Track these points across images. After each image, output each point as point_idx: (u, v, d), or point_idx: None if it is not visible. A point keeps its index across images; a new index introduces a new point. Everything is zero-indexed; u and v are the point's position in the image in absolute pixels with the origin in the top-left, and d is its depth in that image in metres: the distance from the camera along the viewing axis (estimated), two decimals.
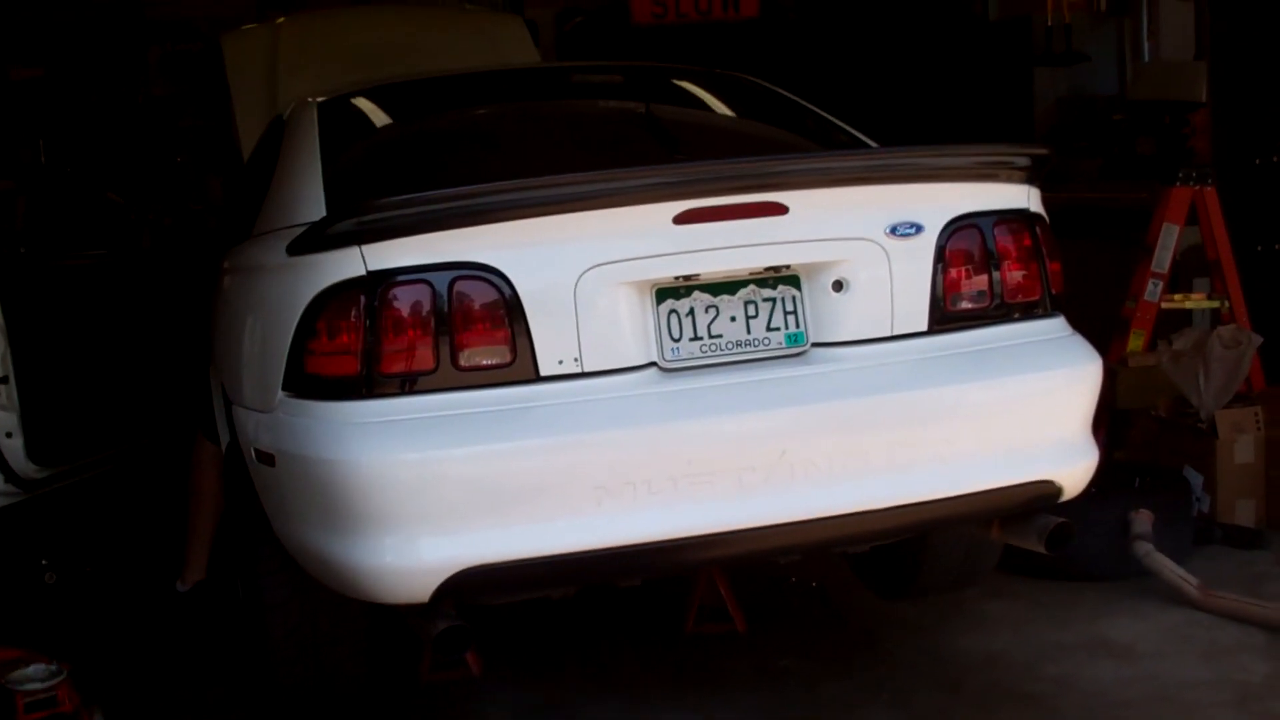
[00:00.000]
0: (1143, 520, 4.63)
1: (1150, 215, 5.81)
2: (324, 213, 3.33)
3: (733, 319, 3.17)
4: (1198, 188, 5.71)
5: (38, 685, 3.85)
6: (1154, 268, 5.75)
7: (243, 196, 4.39)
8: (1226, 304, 5.74)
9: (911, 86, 9.17)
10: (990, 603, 4.44)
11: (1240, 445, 5.18)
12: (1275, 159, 6.32)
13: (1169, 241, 5.75)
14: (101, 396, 5.18)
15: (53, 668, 3.90)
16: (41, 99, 9.81)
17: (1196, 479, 5.18)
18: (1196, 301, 6.08)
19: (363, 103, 4.19)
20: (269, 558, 3.41)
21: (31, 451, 4.78)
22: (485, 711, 3.91)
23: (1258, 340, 5.34)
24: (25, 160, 8.47)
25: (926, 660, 4.07)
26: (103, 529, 5.65)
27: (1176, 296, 5.96)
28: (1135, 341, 5.72)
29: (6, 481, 4.75)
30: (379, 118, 4.19)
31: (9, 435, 4.72)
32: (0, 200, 6.38)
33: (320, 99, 4.12)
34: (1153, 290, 5.77)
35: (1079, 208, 6.51)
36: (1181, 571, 4.44)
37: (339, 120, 4.00)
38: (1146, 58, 8.03)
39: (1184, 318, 6.19)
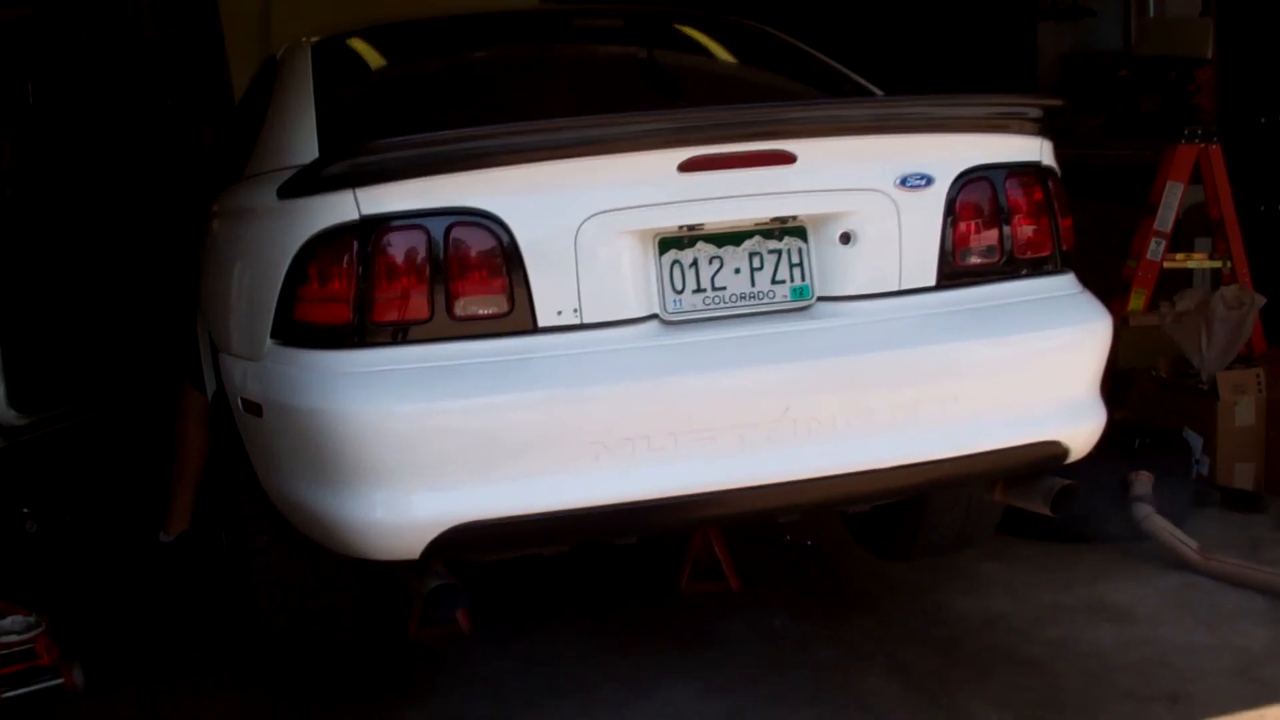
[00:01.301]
0: (1142, 482, 4.57)
1: (1154, 173, 5.72)
2: (317, 155, 3.23)
3: (737, 271, 3.08)
4: (1203, 146, 5.61)
5: (15, 637, 3.80)
6: (1157, 226, 5.66)
7: (233, 139, 4.28)
8: (1228, 264, 5.66)
9: (914, 39, 9.05)
10: (988, 564, 4.38)
11: (1241, 407, 5.12)
12: None
13: (1173, 200, 5.65)
14: (86, 343, 5.08)
15: (31, 619, 3.84)
16: (30, 39, 9.63)
17: (1196, 441, 5.12)
18: (1199, 261, 5.98)
19: (358, 44, 4.09)
20: (254, 509, 3.33)
21: (13, 398, 4.68)
22: (475, 670, 3.84)
23: (1261, 301, 5.27)
24: (13, 102, 8.31)
25: (923, 622, 4.01)
26: (86, 478, 5.57)
27: (1178, 256, 5.87)
28: (1136, 301, 5.63)
29: None
30: (374, 59, 4.08)
31: None
32: None
33: (314, 39, 4.01)
34: (1155, 249, 5.68)
35: (1081, 165, 6.41)
36: (1181, 535, 4.39)
37: (333, 61, 3.89)
38: (1152, 13, 7.93)
39: (1184, 277, 6.11)
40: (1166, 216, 5.65)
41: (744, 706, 3.55)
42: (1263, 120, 6.43)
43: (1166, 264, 5.70)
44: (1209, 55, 6.84)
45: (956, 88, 3.50)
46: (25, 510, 5.09)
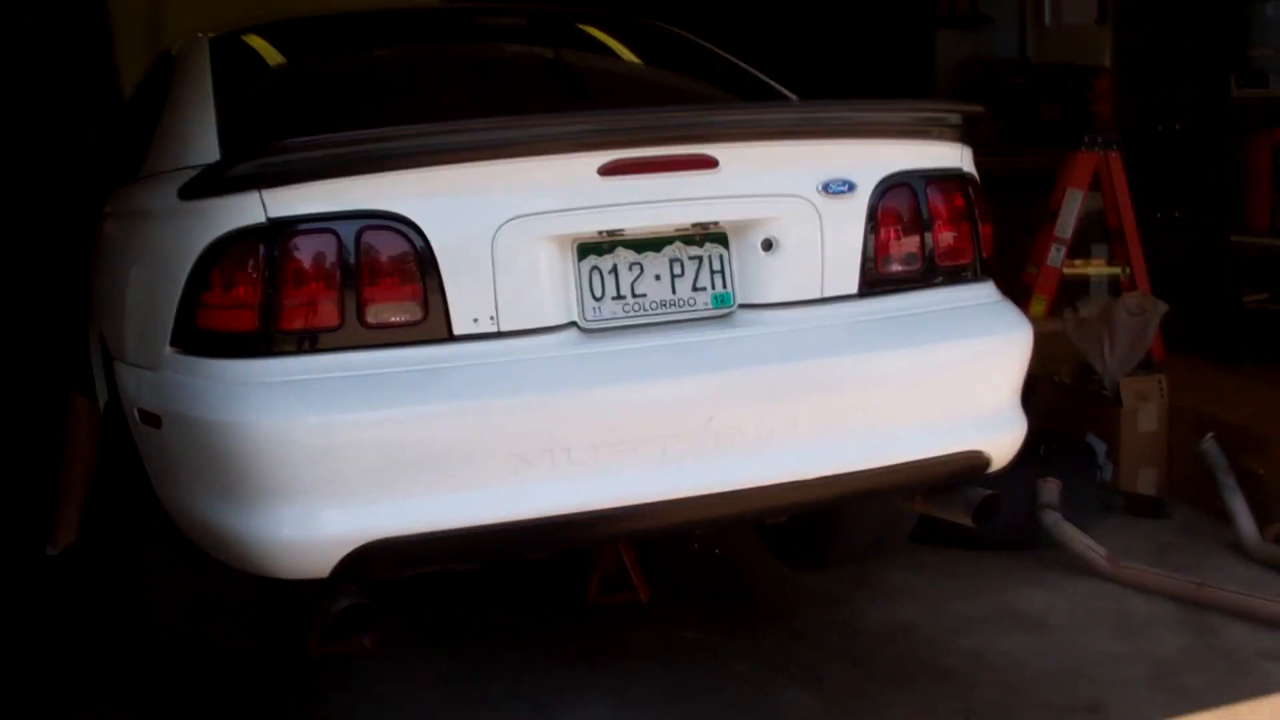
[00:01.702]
0: (1050, 489, 4.58)
1: (1052, 180, 5.76)
2: (218, 155, 3.09)
3: (657, 278, 3.01)
4: (1103, 153, 5.66)
5: None
6: (1057, 233, 5.70)
7: (125, 138, 4.10)
8: (1127, 270, 5.72)
9: (812, 45, 9.04)
10: (897, 573, 4.36)
11: (1144, 413, 5.16)
12: (1177, 126, 6.30)
13: (1073, 207, 5.70)
14: None
15: None
16: None
17: (1100, 446, 5.15)
18: (1098, 268, 6.06)
19: (257, 40, 3.93)
20: (149, 522, 3.18)
21: None
22: (379, 689, 3.71)
23: (1163, 308, 5.31)
24: None
25: (836, 634, 3.97)
26: None
27: (1078, 262, 5.92)
28: (1038, 307, 5.66)
29: None
30: (275, 56, 3.93)
31: None
32: None
33: (212, 35, 3.85)
34: (1055, 255, 5.72)
35: (981, 172, 6.43)
36: (1090, 541, 4.40)
37: (232, 58, 3.74)
38: (1049, 21, 8.00)
39: (1079, 284, 6.17)
40: (1067, 223, 5.69)
41: None
42: (1159, 128, 6.53)
43: (1066, 270, 5.74)
44: (1106, 63, 6.92)
45: (857, 94, 3.46)
46: None
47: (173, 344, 2.90)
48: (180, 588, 3.22)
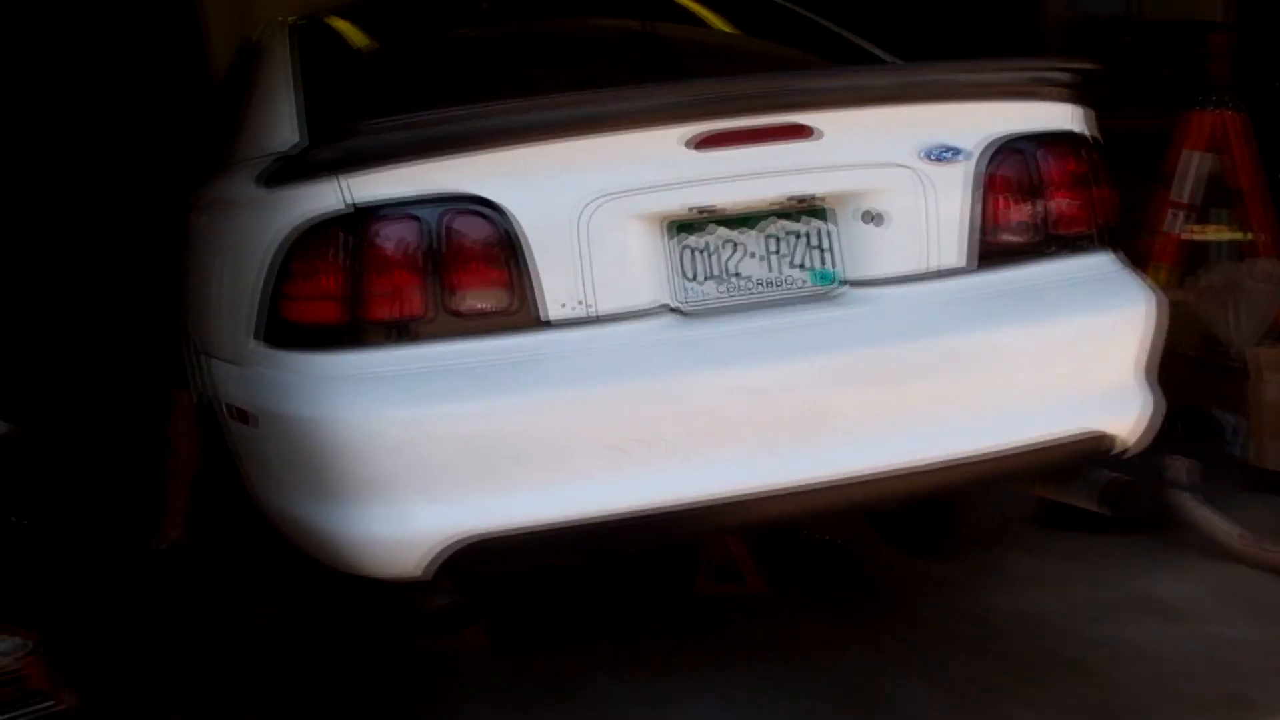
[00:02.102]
0: (1178, 467, 4.36)
1: (1165, 142, 5.50)
2: (300, 141, 3.00)
3: (755, 255, 2.86)
4: (1219, 113, 5.40)
5: (2, 660, 3.57)
6: (1174, 197, 5.46)
7: (212, 126, 4.05)
8: (1249, 235, 5.45)
9: (909, 7, 8.79)
10: (1021, 558, 4.15)
11: (1274, 384, 4.88)
12: None
13: (1190, 169, 5.45)
14: (70, 348, 4.86)
15: (19, 640, 3.62)
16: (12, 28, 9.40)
17: (1229, 420, 4.90)
18: (1218, 233, 5.78)
19: (339, 23, 3.86)
20: (246, 519, 3.11)
21: None
22: (485, 683, 3.62)
23: None
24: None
25: (959, 622, 3.79)
26: (77, 485, 5.33)
27: (1196, 228, 5.66)
28: (1156, 275, 5.41)
29: None
30: (358, 38, 3.86)
31: None
32: None
33: (294, 18, 3.78)
34: (1173, 221, 5.49)
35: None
36: (1224, 521, 4.17)
37: (315, 41, 3.67)
38: None
39: (1198, 251, 5.90)
40: (1184, 187, 5.45)
41: None
42: (1278, 85, 6.22)
43: (1185, 236, 5.48)
44: (1221, 18, 6.61)
45: (955, 55, 3.28)
46: (13, 519, 4.87)
47: (258, 337, 2.82)
48: (280, 585, 3.15)
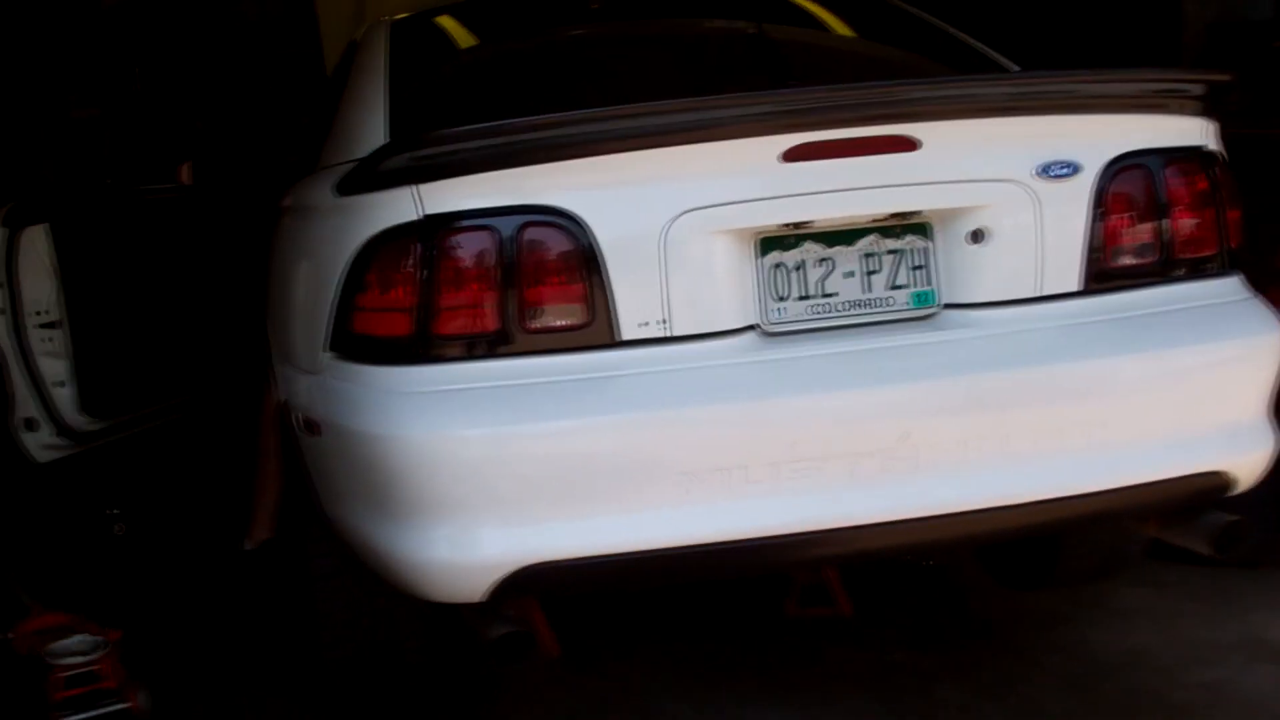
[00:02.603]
0: None
1: None
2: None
3: (850, 274, 2.72)
4: None
5: (79, 659, 3.58)
6: None
7: (313, 126, 4.01)
8: None
9: (1048, 8, 8.52)
10: (1132, 592, 3.96)
11: None
12: None
13: None
14: (162, 343, 4.86)
15: (98, 639, 3.62)
16: (136, 24, 9.55)
17: None
18: None
19: (445, 21, 3.78)
20: (316, 530, 3.05)
21: (84, 402, 4.47)
22: (559, 701, 3.53)
23: None
24: (119, 87, 8.21)
25: (1059, 658, 3.60)
26: (172, 482, 5.36)
27: None
28: None
29: (58, 434, 4.45)
30: (461, 38, 3.77)
31: (60, 384, 4.42)
32: (86, 129, 6.10)
33: (396, 17, 3.71)
34: None
35: (1231, 145, 5.90)
36: None
37: (415, 41, 3.60)
38: None
39: None
40: None
41: None
42: None
43: None
44: None
45: (1095, 63, 3.09)
46: (115, 512, 4.89)
47: (330, 348, 2.75)
48: (347, 598, 3.08)
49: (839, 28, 3.90)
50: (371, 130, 3.09)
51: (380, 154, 2.67)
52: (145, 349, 4.79)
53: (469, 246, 2.57)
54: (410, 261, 2.57)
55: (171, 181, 5.38)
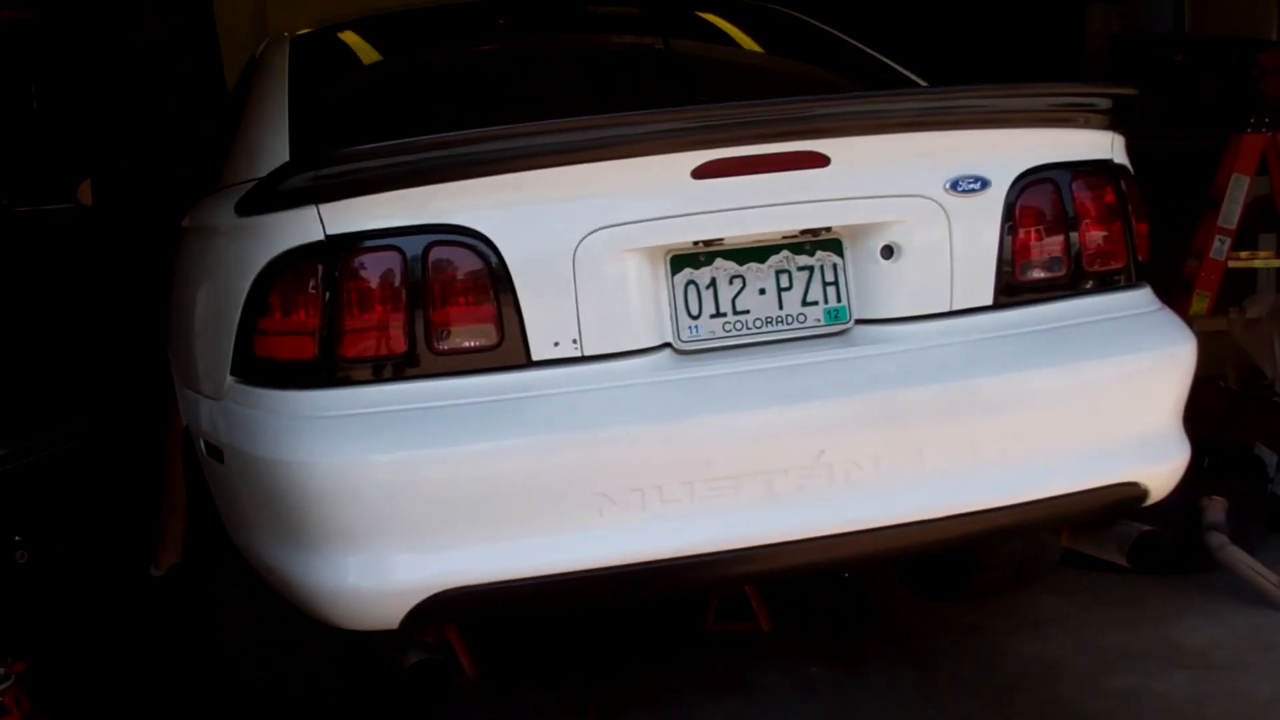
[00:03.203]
0: (1215, 508, 4.16)
1: (1213, 164, 5.29)
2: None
3: (762, 291, 2.70)
4: (1271, 135, 5.18)
5: None
6: (1221, 222, 5.24)
7: (213, 145, 3.92)
8: None
9: (952, 23, 8.60)
10: (1044, 599, 3.98)
11: None
12: None
13: (1238, 194, 5.24)
14: (71, 366, 4.74)
15: (1, 670, 3.50)
16: (32, 41, 9.34)
17: (1270, 458, 4.68)
18: (1266, 260, 5.56)
19: (347, 36, 3.71)
20: (221, 555, 2.98)
21: None
22: None
23: None
24: (14, 106, 8.03)
25: (976, 669, 3.61)
26: (76, 507, 5.23)
27: (1243, 254, 5.44)
28: (1200, 303, 5.21)
29: None
30: (364, 54, 3.70)
31: None
32: None
33: (295, 33, 3.64)
34: (1219, 247, 5.26)
35: (1134, 155, 5.98)
36: (1260, 567, 3.98)
37: (316, 57, 3.53)
38: None
39: (1245, 278, 5.68)
40: (1231, 212, 5.23)
41: None
42: None
43: (1231, 263, 5.27)
44: (1274, 36, 6.39)
45: (1001, 76, 3.10)
46: (16, 539, 4.75)
47: (233, 373, 2.69)
48: (254, 625, 3.00)
49: (746, 43, 3.88)
50: (272, 148, 3.02)
51: (281, 172, 2.61)
52: (47, 373, 4.67)
53: (374, 267, 2.52)
54: (313, 283, 2.52)
55: (70, 201, 5.26)
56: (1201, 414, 4.94)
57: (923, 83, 3.57)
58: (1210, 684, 3.46)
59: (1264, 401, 4.83)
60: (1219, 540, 4.08)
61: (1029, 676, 3.56)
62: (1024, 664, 3.63)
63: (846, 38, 3.83)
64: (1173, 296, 5.13)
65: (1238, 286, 5.40)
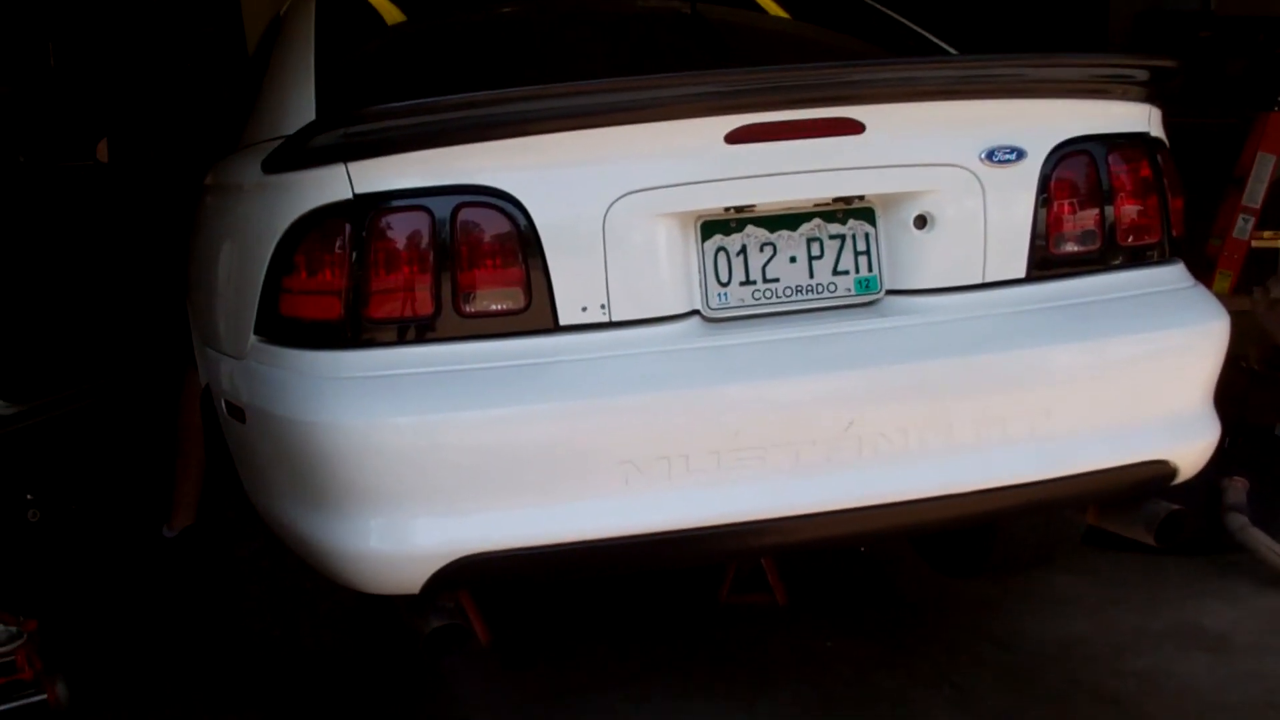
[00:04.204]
0: (1237, 488, 4.13)
1: (1239, 143, 5.24)
2: None
3: (793, 260, 2.66)
4: None
5: None
6: (1245, 202, 5.19)
7: (236, 104, 3.88)
8: None
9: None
10: (1064, 579, 3.95)
11: None
12: None
13: (1263, 173, 5.18)
14: (81, 326, 4.71)
15: (13, 629, 3.49)
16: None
17: None
18: None
19: None
20: (240, 514, 2.96)
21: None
22: (490, 695, 3.45)
23: None
24: (33, 63, 7.99)
25: (993, 648, 3.58)
26: (90, 468, 5.21)
27: (1267, 234, 5.39)
28: (1222, 283, 5.16)
29: None
30: (388, 14, 3.65)
31: None
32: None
33: None
34: (1243, 227, 5.21)
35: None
36: None
37: (341, 16, 3.48)
38: None
39: (1267, 259, 5.63)
40: (1256, 191, 5.17)
41: None
42: None
43: (1255, 243, 5.22)
44: None
45: (1020, 49, 3.05)
46: (29, 498, 4.74)
47: (256, 332, 2.66)
48: (271, 587, 2.98)
49: (772, 8, 3.84)
50: (299, 106, 2.98)
51: (310, 130, 2.57)
52: (62, 331, 4.65)
53: (402, 227, 2.48)
54: (340, 242, 2.48)
55: (88, 159, 5.23)
56: (1223, 394, 4.96)
57: (954, 51, 3.53)
58: (1230, 666, 3.43)
59: None
60: (1240, 521, 4.05)
61: (1047, 656, 3.53)
62: (1042, 643, 3.60)
63: (874, 4, 3.78)
64: (1195, 276, 5.09)
65: (1261, 268, 5.35)
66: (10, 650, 3.44)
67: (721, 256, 2.62)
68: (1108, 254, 2.82)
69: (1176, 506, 2.83)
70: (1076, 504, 2.96)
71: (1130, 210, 2.82)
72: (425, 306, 2.49)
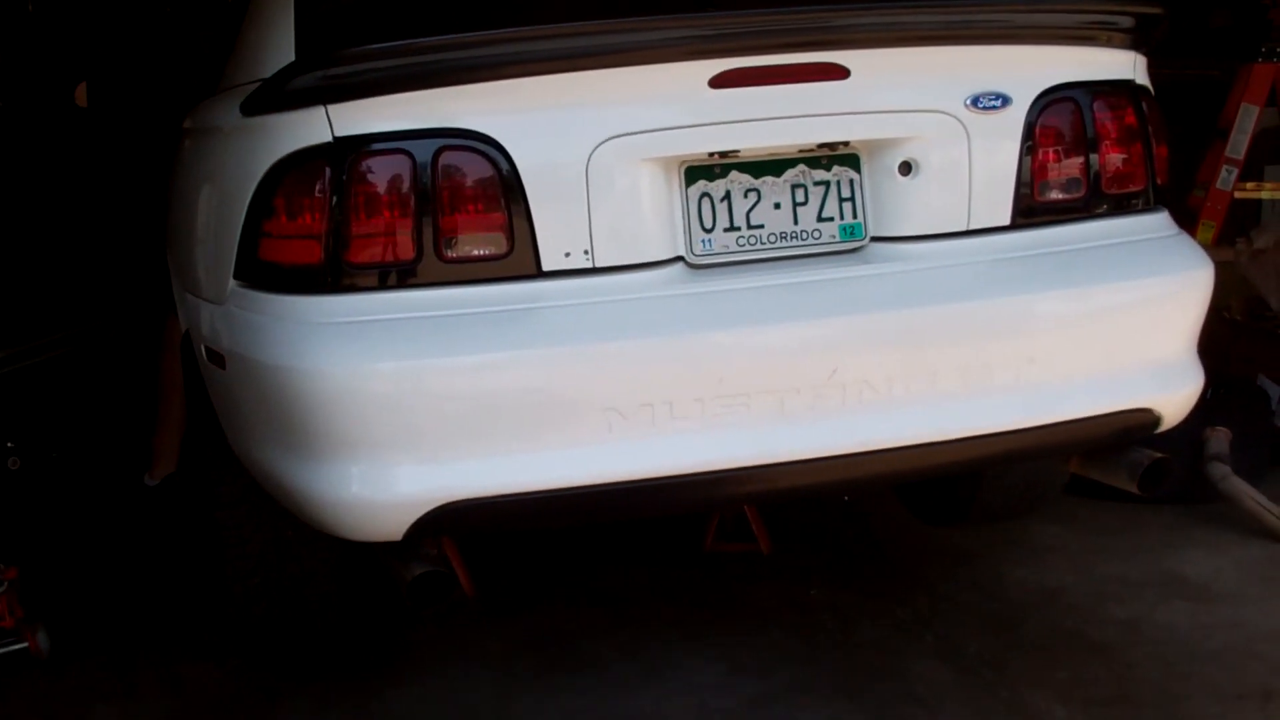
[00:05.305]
0: (1219, 439, 4.15)
1: (1222, 94, 5.22)
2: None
3: (777, 206, 2.64)
4: None
5: None
6: (1228, 153, 5.18)
7: (215, 47, 3.83)
8: None
9: None
10: (1046, 528, 3.97)
11: None
12: None
13: (1246, 124, 5.17)
14: (65, 271, 4.68)
15: None
16: None
17: (1274, 390, 4.67)
18: (1273, 191, 5.50)
19: None
20: (220, 460, 2.94)
21: None
22: (478, 644, 3.45)
23: None
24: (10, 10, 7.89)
25: (976, 596, 3.60)
26: (70, 415, 5.18)
27: (1249, 185, 5.39)
28: (1204, 234, 5.15)
29: None
30: None
31: None
32: None
33: None
34: (1225, 178, 5.21)
35: None
36: (1262, 498, 3.97)
37: None
38: None
39: (1250, 209, 5.63)
40: (1239, 142, 5.16)
41: (774, 692, 3.16)
42: None
43: (1238, 194, 5.22)
44: None
45: None
46: (9, 445, 4.71)
47: (236, 276, 2.63)
48: (252, 531, 2.97)
49: None
50: (278, 48, 2.93)
51: (289, 71, 2.54)
52: (43, 278, 4.61)
53: (382, 171, 2.46)
54: (320, 185, 2.46)
55: (67, 104, 5.17)
56: (1205, 345, 4.97)
57: None
58: (1211, 615, 3.46)
59: (1268, 333, 4.79)
60: (1222, 471, 4.07)
61: (1029, 604, 3.56)
62: (1024, 592, 3.63)
63: None
64: (1178, 226, 5.09)
65: (1243, 218, 5.35)
66: None
67: (705, 202, 2.60)
68: (1092, 201, 2.81)
69: (1160, 455, 2.84)
70: (1060, 452, 2.97)
71: (1115, 158, 2.81)
72: (406, 251, 2.47)
